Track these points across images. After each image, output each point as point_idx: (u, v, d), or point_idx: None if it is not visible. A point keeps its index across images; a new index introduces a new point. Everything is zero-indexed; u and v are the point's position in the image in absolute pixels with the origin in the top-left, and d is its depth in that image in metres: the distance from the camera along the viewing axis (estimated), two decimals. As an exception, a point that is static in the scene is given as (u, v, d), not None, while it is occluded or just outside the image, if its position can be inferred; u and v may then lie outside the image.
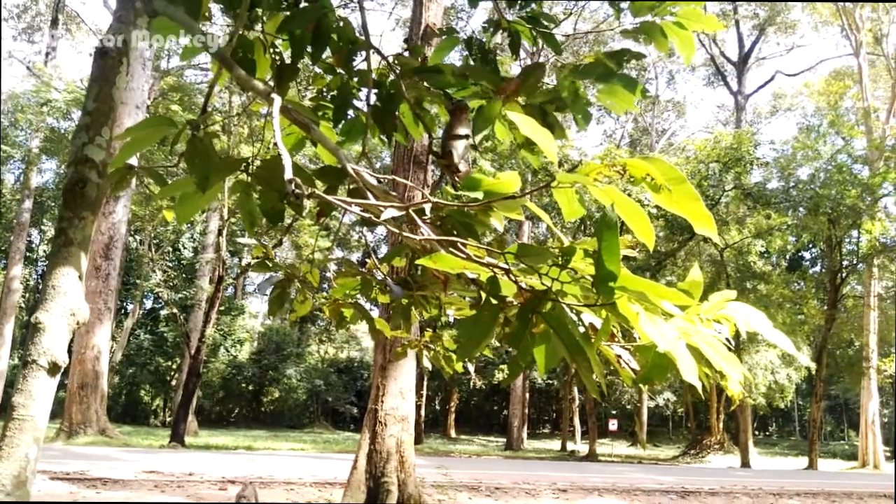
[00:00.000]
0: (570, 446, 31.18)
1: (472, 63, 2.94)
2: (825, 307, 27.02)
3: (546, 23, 2.94)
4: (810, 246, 33.98)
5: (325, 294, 3.04)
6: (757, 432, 44.78)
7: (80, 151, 1.84)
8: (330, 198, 1.87)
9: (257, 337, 42.24)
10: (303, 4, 2.77)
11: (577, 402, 33.76)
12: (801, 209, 25.55)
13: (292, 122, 2.48)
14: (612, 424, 29.13)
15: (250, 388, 39.71)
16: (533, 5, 3.00)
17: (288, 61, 2.83)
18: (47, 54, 28.27)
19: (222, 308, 32.92)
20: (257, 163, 2.46)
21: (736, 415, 28.04)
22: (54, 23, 28.35)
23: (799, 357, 25.20)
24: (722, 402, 29.32)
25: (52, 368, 1.69)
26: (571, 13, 30.69)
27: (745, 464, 25.22)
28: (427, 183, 9.93)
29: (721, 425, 30.02)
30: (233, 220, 23.23)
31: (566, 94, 2.44)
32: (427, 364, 3.18)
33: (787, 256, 33.70)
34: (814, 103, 38.87)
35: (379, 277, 2.82)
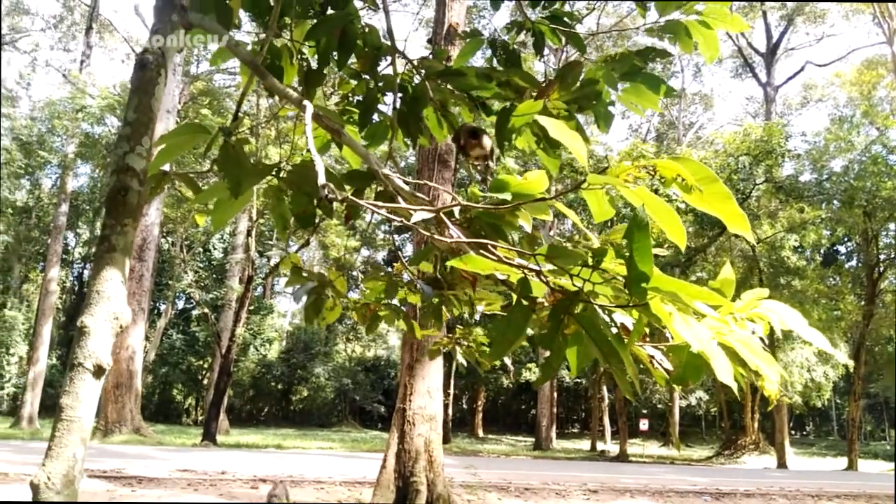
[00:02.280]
0: (600, 446, 30.96)
1: (496, 64, 2.96)
2: (862, 303, 26.46)
3: (569, 21, 2.95)
4: (846, 240, 33.33)
5: (354, 299, 3.07)
6: (793, 432, 44.05)
7: (121, 160, 1.89)
8: (363, 202, 1.90)
9: (286, 336, 42.66)
10: (329, 12, 2.81)
11: (606, 401, 33.50)
12: (835, 202, 25.07)
13: (322, 127, 2.52)
14: (644, 424, 28.84)
15: (279, 386, 40.11)
16: (556, 4, 3.01)
17: (314, 67, 2.87)
18: (82, 62, 28.84)
19: (252, 308, 33.34)
20: (287, 167, 2.50)
21: (772, 414, 27.59)
22: (88, 31, 28.91)
23: (836, 354, 24.69)
24: (757, 401, 28.85)
25: (98, 371, 1.75)
26: (594, 9, 30.45)
27: (782, 464, 24.83)
28: (453, 182, 9.96)
29: (756, 425, 29.52)
30: (261, 221, 23.48)
31: (603, 84, 2.44)
32: (461, 360, 3.20)
33: (822, 251, 33.08)
34: (846, 93, 38.10)
35: (407, 278, 2.85)
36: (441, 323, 2.75)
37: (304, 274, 2.86)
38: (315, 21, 2.69)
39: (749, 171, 24.37)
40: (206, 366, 37.35)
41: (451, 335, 3.33)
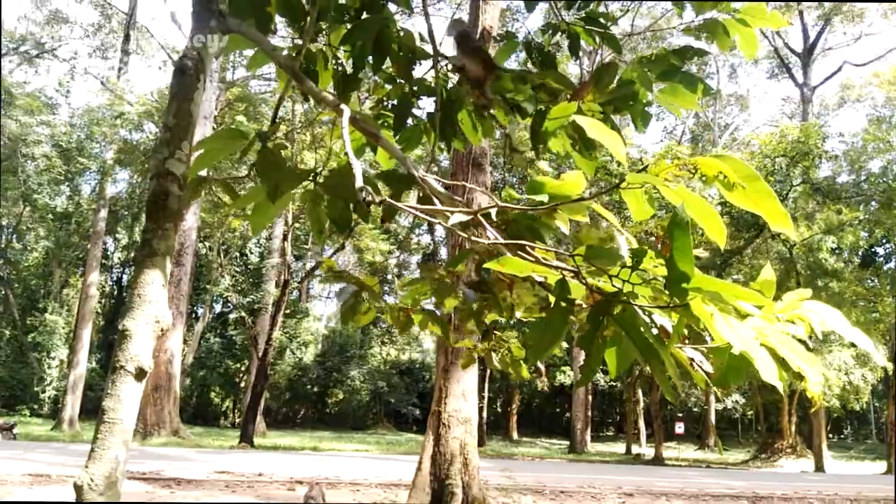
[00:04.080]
0: (635, 449, 30.62)
1: (531, 66, 2.94)
2: (902, 305, 25.83)
3: (604, 22, 2.93)
4: (884, 241, 32.57)
5: (390, 304, 3.07)
6: (831, 435, 43.07)
7: (161, 165, 1.92)
8: (400, 205, 1.90)
9: (321, 339, 42.95)
10: (364, 16, 2.82)
11: (641, 404, 33.16)
12: (873, 203, 24.54)
13: (359, 131, 2.54)
14: (679, 427, 28.47)
15: (315, 389, 40.43)
16: (591, 5, 2.98)
17: (350, 71, 2.89)
18: (120, 69, 29.38)
19: (288, 311, 33.61)
20: (324, 172, 2.52)
21: (809, 417, 27.06)
22: (126, 39, 29.46)
23: (875, 357, 24.11)
24: (794, 404, 28.30)
25: (139, 374, 1.77)
26: (628, 10, 30.18)
27: (820, 468, 24.36)
28: (487, 185, 9.95)
29: (793, 428, 29.00)
30: (297, 225, 23.68)
31: (639, 85, 2.41)
32: (497, 365, 3.17)
33: (860, 252, 32.39)
34: (884, 93, 37.23)
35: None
36: (482, 327, 2.74)
37: (341, 276, 2.87)
38: (350, 25, 2.71)
39: (786, 173, 23.96)
40: (243, 369, 37.80)
41: (485, 342, 3.29)
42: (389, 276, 37.21)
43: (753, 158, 25.39)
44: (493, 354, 3.16)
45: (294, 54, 2.68)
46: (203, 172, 2.61)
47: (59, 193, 35.62)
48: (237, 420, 36.45)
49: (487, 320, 2.67)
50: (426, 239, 37.43)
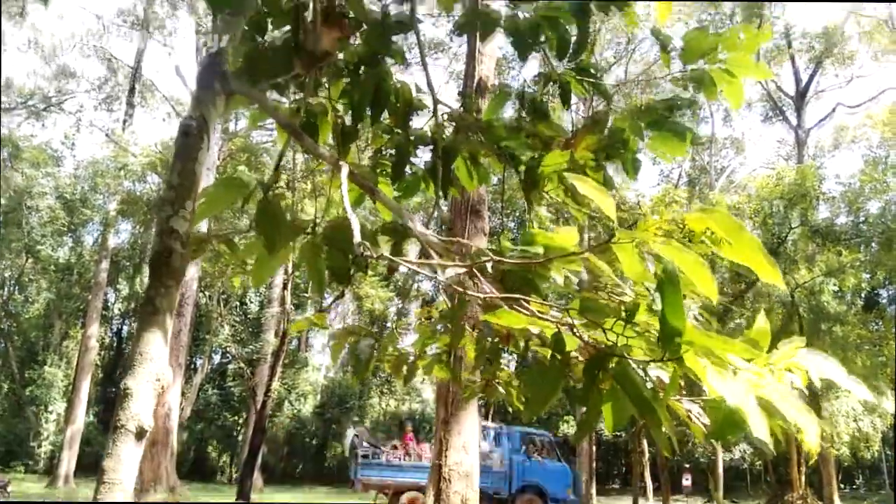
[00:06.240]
0: (641, 503, 30.00)
1: (524, 116, 3.01)
2: (908, 348, 25.64)
3: (595, 72, 3.00)
4: (886, 283, 32.52)
5: (390, 350, 3.08)
6: (842, 486, 42.19)
7: (165, 223, 1.96)
8: (398, 259, 1.94)
9: (321, 390, 42.53)
10: (362, 70, 2.90)
11: (647, 455, 32.56)
12: (873, 244, 24.59)
13: (356, 185, 2.58)
14: (686, 479, 27.95)
15: (314, 442, 39.86)
16: (582, 56, 3.06)
17: (348, 123, 2.96)
18: (125, 121, 29.79)
19: (287, 361, 33.35)
20: (322, 223, 2.55)
21: (819, 467, 26.58)
22: (131, 92, 29.92)
23: (883, 403, 23.81)
24: (803, 455, 27.84)
25: (140, 433, 1.77)
26: (622, 58, 30.75)
27: (832, 520, 23.81)
28: (485, 232, 9.99)
29: (803, 479, 28.42)
30: (297, 274, 23.70)
31: (628, 133, 2.47)
32: (503, 392, 3.11)
33: (863, 295, 32.29)
34: (879, 134, 37.61)
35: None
36: (499, 364, 2.74)
37: (354, 331, 2.89)
38: (349, 79, 2.78)
39: (784, 215, 24.06)
40: (241, 422, 37.32)
41: (487, 373, 3.23)
42: (389, 324, 37.04)
43: (750, 201, 25.53)
44: (499, 388, 3.13)
45: (295, 109, 2.75)
46: (204, 228, 2.66)
47: (61, 245, 35.76)
48: (235, 475, 35.82)
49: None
50: (426, 286, 37.39)
